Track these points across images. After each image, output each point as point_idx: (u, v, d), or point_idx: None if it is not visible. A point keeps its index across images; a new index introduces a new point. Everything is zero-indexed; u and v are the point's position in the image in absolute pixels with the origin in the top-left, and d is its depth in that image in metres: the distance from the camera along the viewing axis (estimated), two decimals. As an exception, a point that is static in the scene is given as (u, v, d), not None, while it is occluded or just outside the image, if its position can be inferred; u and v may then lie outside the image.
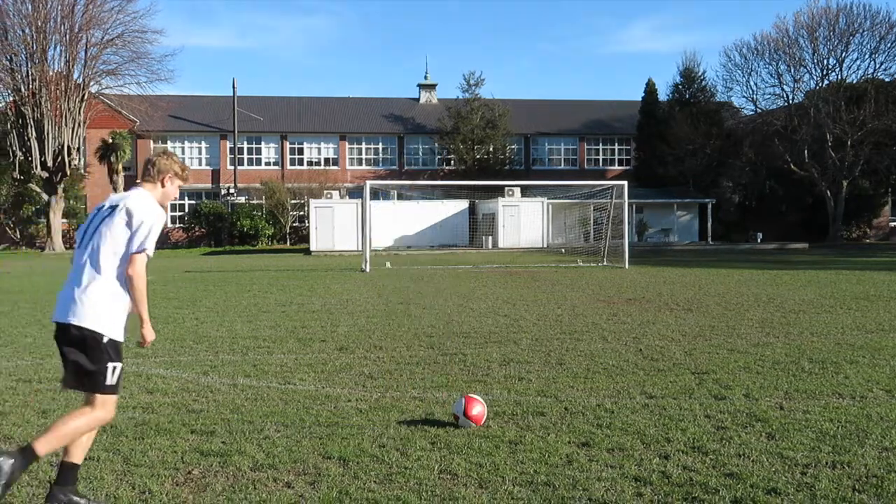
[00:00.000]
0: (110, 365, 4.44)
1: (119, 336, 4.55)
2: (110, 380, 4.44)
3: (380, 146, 59.12)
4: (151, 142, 56.22)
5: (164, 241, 55.30)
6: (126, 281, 4.60)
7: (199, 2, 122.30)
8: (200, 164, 57.29)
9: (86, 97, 49.43)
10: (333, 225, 43.05)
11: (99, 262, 4.53)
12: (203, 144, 57.69)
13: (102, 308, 4.48)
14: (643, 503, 4.63)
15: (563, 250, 40.67)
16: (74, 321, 4.42)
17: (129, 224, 4.53)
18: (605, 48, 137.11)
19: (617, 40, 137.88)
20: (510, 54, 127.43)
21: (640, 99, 57.59)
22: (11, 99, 49.02)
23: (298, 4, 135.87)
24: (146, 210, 4.57)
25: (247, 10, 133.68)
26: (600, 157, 60.89)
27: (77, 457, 4.54)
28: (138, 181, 4.88)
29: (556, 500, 4.66)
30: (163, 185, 4.79)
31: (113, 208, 4.60)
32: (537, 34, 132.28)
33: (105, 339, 4.44)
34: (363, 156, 58.88)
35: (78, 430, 4.41)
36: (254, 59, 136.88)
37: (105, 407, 4.47)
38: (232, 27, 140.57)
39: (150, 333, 4.74)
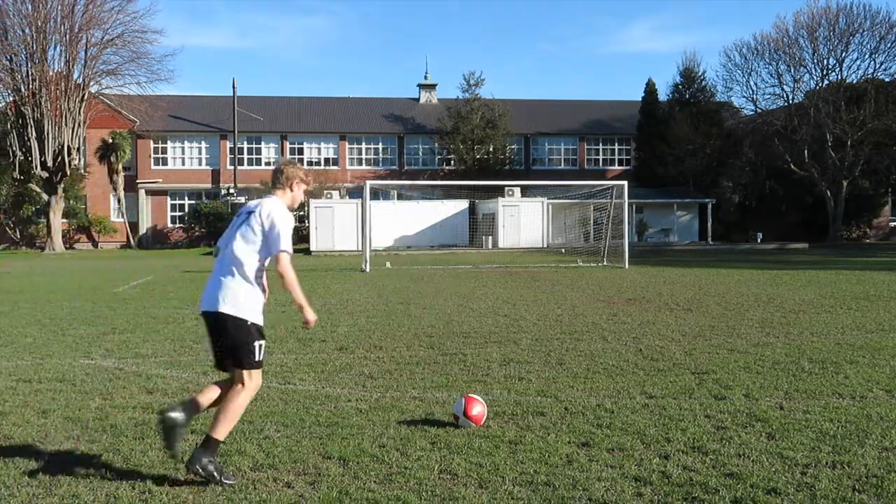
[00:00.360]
0: (256, 343, 5.13)
1: (260, 320, 5.20)
2: (258, 356, 5.14)
3: (380, 146, 59.10)
4: (151, 142, 56.22)
5: (163, 241, 55.35)
6: (258, 278, 5.24)
7: (199, 2, 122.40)
8: (200, 164, 57.29)
9: (86, 97, 49.41)
10: (333, 225, 43.05)
11: (237, 261, 5.15)
12: (203, 144, 57.67)
13: (244, 298, 5.14)
14: (643, 503, 4.63)
15: (563, 250, 40.66)
16: (223, 311, 5.09)
17: (263, 228, 5.16)
18: (605, 48, 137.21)
19: (617, 40, 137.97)
20: (510, 54, 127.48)
21: (640, 99, 57.53)
22: (11, 99, 48.98)
23: (298, 4, 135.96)
24: (278, 214, 5.19)
25: (246, 10, 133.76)
26: (600, 157, 60.86)
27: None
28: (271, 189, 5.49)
29: (556, 500, 4.67)
30: (291, 190, 5.40)
31: (249, 214, 5.24)
32: (537, 34, 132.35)
33: (249, 323, 5.12)
34: (363, 156, 58.86)
35: (243, 404, 5.14)
36: (254, 59, 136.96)
37: (255, 379, 5.16)
38: (232, 27, 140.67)
39: (310, 316, 5.31)
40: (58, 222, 49.70)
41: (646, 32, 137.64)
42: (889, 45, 50.09)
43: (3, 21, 47.63)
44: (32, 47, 47.72)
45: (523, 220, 45.35)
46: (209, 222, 54.22)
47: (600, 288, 18.80)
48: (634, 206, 47.03)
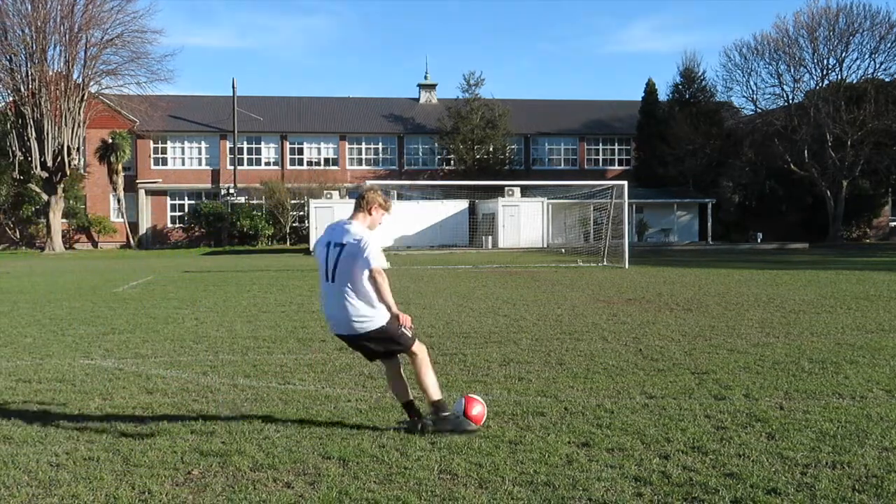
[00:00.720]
0: (401, 331, 6.03)
1: (386, 317, 6.01)
2: (409, 336, 6.11)
3: (380, 146, 59.11)
4: (151, 142, 56.22)
5: (163, 241, 55.35)
6: (370, 288, 5.97)
7: (199, 2, 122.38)
8: (200, 164, 57.29)
9: (85, 97, 49.41)
10: (333, 225, 43.00)
11: (351, 284, 5.99)
12: (203, 144, 57.67)
13: (368, 312, 6.01)
14: (643, 503, 4.63)
15: (563, 250, 40.64)
16: (363, 331, 6.03)
17: (358, 251, 5.96)
18: (605, 48, 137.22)
19: (617, 40, 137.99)
20: (510, 54, 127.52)
21: (640, 99, 57.59)
22: (11, 99, 49.01)
23: (298, 4, 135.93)
24: (365, 236, 6.06)
25: (246, 9, 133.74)
26: (600, 157, 60.87)
27: (406, 396, 6.25)
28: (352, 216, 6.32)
29: (555, 500, 4.67)
30: (370, 214, 6.25)
31: (341, 246, 6.06)
32: (537, 34, 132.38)
33: (384, 324, 6.02)
34: (363, 156, 58.87)
35: (428, 372, 6.20)
36: (254, 59, 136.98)
37: (420, 349, 6.21)
38: (232, 27, 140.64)
39: (403, 318, 5.96)
40: (57, 222, 49.70)
41: (646, 32, 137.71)
42: (889, 45, 50.11)
43: (2, 21, 47.65)
44: (32, 47, 47.73)
45: (523, 220, 45.35)
46: (209, 222, 54.25)
47: (600, 288, 18.80)
48: (634, 206, 47.05)
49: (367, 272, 5.91)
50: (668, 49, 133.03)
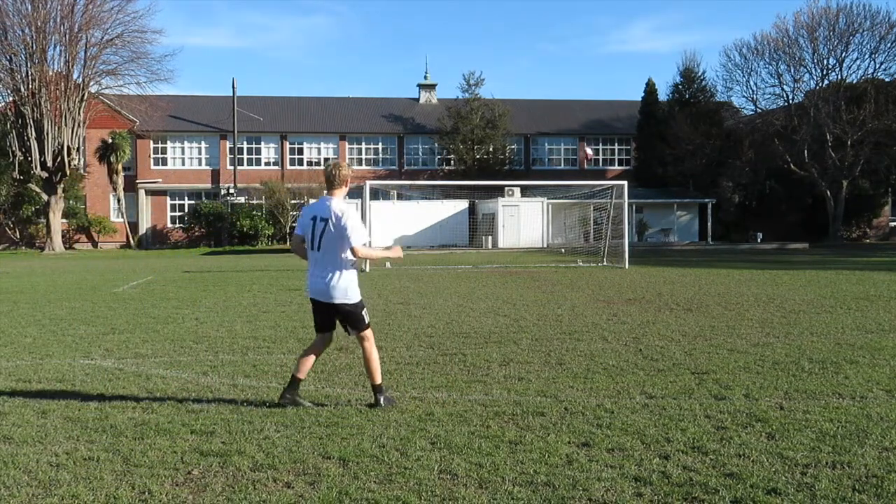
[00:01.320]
0: (363, 312, 6.84)
1: (358, 297, 6.80)
2: (366, 320, 6.86)
3: (379, 146, 59.10)
4: (151, 142, 56.22)
5: (163, 241, 55.34)
6: (349, 262, 6.71)
7: (199, 1, 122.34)
8: (200, 164, 57.29)
9: (85, 97, 49.42)
10: (333, 225, 42.96)
11: (332, 257, 6.67)
12: (203, 144, 57.66)
13: (343, 285, 6.70)
14: (643, 503, 4.63)
15: (562, 250, 40.62)
16: (334, 300, 6.70)
17: (342, 230, 6.58)
18: (605, 48, 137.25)
19: (617, 40, 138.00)
20: (510, 54, 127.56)
21: (640, 99, 57.56)
22: (11, 99, 49.01)
23: (298, 4, 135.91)
24: (346, 212, 6.63)
25: (246, 9, 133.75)
26: (600, 157, 60.86)
27: (303, 374, 6.94)
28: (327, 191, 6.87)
29: (556, 501, 4.67)
30: (346, 186, 6.85)
31: (325, 221, 6.65)
32: (537, 34, 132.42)
33: (354, 302, 6.76)
34: (363, 156, 58.86)
35: (376, 357, 6.91)
36: (253, 59, 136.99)
37: (371, 335, 6.92)
38: (231, 27, 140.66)
39: (391, 252, 7.11)
40: (57, 222, 49.70)
41: (646, 32, 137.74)
42: (889, 45, 50.13)
43: (2, 21, 47.66)
44: (32, 47, 47.74)
45: (523, 220, 45.38)
46: (209, 222, 54.26)
47: (600, 288, 18.80)
48: (634, 206, 47.07)
49: (349, 250, 6.61)
50: (669, 49, 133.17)
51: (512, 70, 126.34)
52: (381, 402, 6.80)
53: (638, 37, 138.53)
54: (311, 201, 45.59)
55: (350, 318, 6.78)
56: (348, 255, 6.62)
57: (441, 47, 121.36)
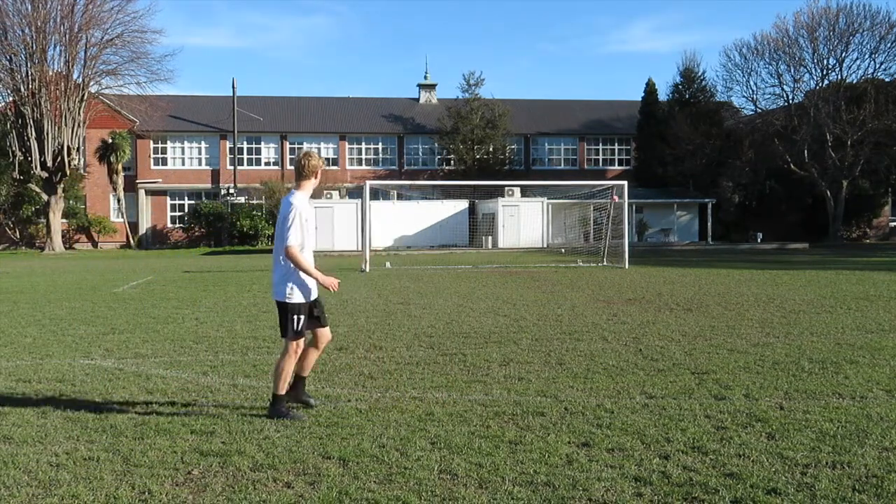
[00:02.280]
0: (294, 318, 6.54)
1: (296, 296, 6.55)
2: (293, 328, 6.56)
3: (379, 146, 59.09)
4: (151, 142, 56.22)
5: (163, 241, 55.34)
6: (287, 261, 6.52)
7: (199, 1, 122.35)
8: (200, 164, 57.27)
9: (85, 97, 49.40)
10: (333, 225, 43.03)
11: (277, 251, 6.52)
12: (203, 144, 57.65)
13: (282, 281, 6.54)
14: (643, 503, 4.64)
15: (562, 250, 40.58)
16: (275, 297, 6.62)
17: (283, 224, 6.46)
18: (605, 48, 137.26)
19: (617, 40, 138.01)
20: (510, 54, 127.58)
21: (640, 99, 57.54)
22: (11, 99, 48.99)
23: (298, 4, 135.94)
24: (294, 209, 6.47)
25: (247, 9, 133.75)
26: (600, 157, 60.86)
27: (305, 371, 6.93)
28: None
29: (556, 501, 4.67)
30: (315, 178, 6.73)
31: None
32: (537, 34, 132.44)
33: (289, 303, 6.55)
34: (363, 156, 58.85)
35: (290, 367, 6.59)
36: (253, 59, 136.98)
37: (297, 347, 6.61)
38: (231, 27, 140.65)
39: (329, 282, 6.61)
40: (57, 222, 49.70)
41: (646, 32, 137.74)
42: (889, 44, 50.07)
43: (2, 21, 47.64)
44: (32, 47, 47.72)
45: (523, 220, 45.34)
46: (209, 222, 54.25)
47: (600, 288, 18.80)
48: (634, 207, 47.06)
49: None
50: (669, 49, 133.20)
51: (512, 70, 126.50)
52: (274, 413, 6.52)
53: (638, 37, 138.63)
54: (313, 202, 45.97)
55: (280, 319, 6.64)
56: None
57: (441, 47, 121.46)
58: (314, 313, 6.72)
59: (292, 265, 6.43)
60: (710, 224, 51.17)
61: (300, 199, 6.52)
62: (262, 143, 57.98)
